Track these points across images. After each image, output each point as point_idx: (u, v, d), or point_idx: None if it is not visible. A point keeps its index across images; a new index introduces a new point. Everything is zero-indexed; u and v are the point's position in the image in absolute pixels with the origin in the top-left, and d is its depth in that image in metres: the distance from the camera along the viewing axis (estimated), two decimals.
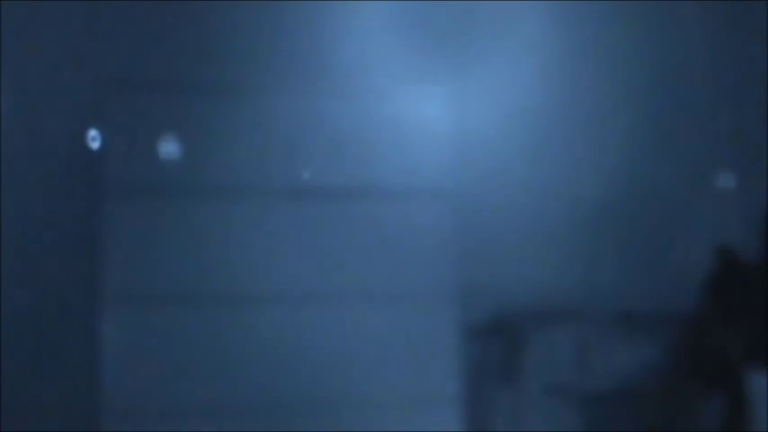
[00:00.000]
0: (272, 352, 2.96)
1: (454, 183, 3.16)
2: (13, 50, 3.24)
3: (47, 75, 3.27)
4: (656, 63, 3.90)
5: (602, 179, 3.72)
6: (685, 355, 3.28)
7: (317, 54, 3.51)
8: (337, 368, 3.01)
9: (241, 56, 3.44)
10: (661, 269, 3.70)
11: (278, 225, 3.02)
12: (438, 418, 3.08)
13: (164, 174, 2.98)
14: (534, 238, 3.61)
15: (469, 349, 3.34)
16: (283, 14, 3.52)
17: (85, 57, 3.30)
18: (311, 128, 3.06)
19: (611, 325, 3.38)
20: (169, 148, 3.00)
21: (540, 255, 3.61)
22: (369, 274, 3.07)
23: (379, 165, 3.08)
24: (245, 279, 2.98)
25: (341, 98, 3.11)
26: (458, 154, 3.24)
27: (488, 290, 3.47)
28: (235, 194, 3.01)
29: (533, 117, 3.69)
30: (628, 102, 3.82)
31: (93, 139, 3.16)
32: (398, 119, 3.12)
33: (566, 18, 3.79)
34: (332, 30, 3.55)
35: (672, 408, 3.36)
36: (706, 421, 3.19)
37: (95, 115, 3.01)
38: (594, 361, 3.33)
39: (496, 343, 3.40)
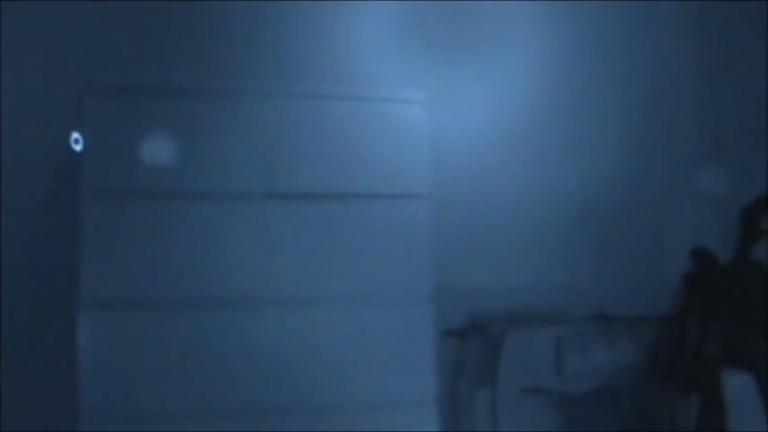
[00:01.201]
0: (250, 355, 2.95)
1: (431, 185, 3.18)
2: None
3: (29, 77, 3.32)
4: (636, 66, 3.94)
5: (579, 181, 3.77)
6: (662, 355, 3.29)
7: (296, 57, 3.57)
8: (314, 371, 3.00)
9: (224, 59, 3.49)
10: (639, 271, 3.74)
11: (256, 229, 3.02)
12: (416, 420, 3.07)
13: (146, 177, 2.98)
14: (512, 240, 3.65)
15: (447, 351, 3.36)
16: (267, 17, 3.57)
17: (68, 59, 3.35)
18: (288, 131, 3.09)
19: (589, 326, 3.40)
20: (151, 151, 3.02)
21: (518, 256, 3.65)
22: (346, 277, 3.07)
23: (354, 167, 3.11)
24: (224, 283, 2.97)
25: (318, 101, 3.13)
26: (435, 156, 3.27)
27: (466, 292, 3.50)
28: (214, 198, 3.01)
29: (512, 119, 3.74)
30: (607, 105, 3.87)
31: (76, 141, 3.18)
32: (375, 121, 3.15)
33: (543, 18, 3.84)
34: (310, 32, 3.60)
35: (649, 408, 3.37)
36: (683, 421, 3.20)
37: (77, 118, 3.03)
38: (572, 362, 3.34)
39: (474, 345, 3.41)
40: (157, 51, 3.45)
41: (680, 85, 4.01)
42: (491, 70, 3.75)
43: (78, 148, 3.10)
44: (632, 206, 3.82)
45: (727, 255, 3.22)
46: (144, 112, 3.01)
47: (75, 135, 3.17)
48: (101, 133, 2.97)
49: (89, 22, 3.39)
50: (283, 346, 2.99)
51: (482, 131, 3.71)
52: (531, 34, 3.83)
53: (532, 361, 3.32)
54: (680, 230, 3.83)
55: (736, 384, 3.05)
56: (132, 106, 3.00)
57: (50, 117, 3.31)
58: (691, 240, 3.44)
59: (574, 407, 3.35)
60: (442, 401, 3.15)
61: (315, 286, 3.05)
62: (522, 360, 3.30)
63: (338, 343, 3.05)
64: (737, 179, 3.72)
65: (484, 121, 3.71)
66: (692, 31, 4.03)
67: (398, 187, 3.16)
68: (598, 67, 3.89)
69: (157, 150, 3.00)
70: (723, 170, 3.84)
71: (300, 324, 3.03)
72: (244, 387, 2.95)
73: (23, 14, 3.35)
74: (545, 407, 3.33)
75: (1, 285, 3.21)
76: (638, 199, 3.83)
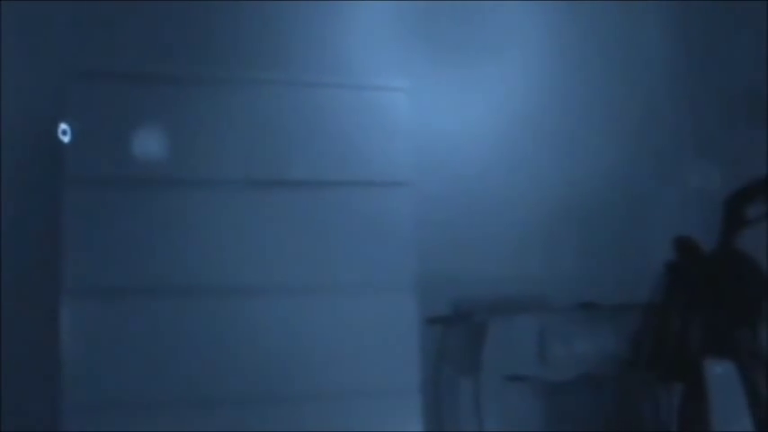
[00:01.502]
0: (233, 344, 2.97)
1: (415, 173, 3.18)
2: None
3: (15, 66, 3.37)
4: (619, 60, 3.93)
5: (562, 171, 3.76)
6: (645, 344, 3.29)
7: (284, 47, 3.58)
8: (297, 358, 3.02)
9: (211, 48, 3.51)
10: (622, 259, 3.73)
11: (239, 217, 3.03)
12: (399, 408, 3.09)
13: (130, 165, 2.99)
14: (496, 229, 3.65)
15: (430, 339, 3.38)
16: (256, 7, 3.58)
17: (53, 48, 3.38)
18: (271, 119, 3.10)
19: (573, 314, 3.40)
20: (135, 139, 3.03)
21: (502, 245, 3.65)
22: (328, 265, 3.09)
23: (337, 155, 3.12)
24: (207, 271, 2.99)
25: (300, 89, 3.14)
26: (420, 145, 3.28)
27: (449, 279, 3.51)
28: (196, 186, 3.02)
29: (495, 108, 3.73)
30: (591, 98, 3.86)
31: (64, 132, 3.21)
32: (357, 109, 3.15)
33: (533, 15, 3.84)
34: (301, 23, 3.61)
35: (631, 396, 3.37)
36: (665, 409, 3.20)
37: (62, 107, 3.05)
38: (556, 350, 3.34)
39: (458, 332, 3.43)
40: (147, 42, 3.47)
41: (662, 77, 3.99)
42: (480, 64, 3.75)
43: (66, 139, 3.12)
44: (615, 195, 3.81)
45: (709, 244, 3.21)
46: (128, 99, 3.02)
47: (64, 126, 3.20)
48: (84, 121, 2.99)
49: (81, 14, 3.42)
50: (266, 335, 3.01)
51: (468, 122, 3.71)
52: (520, 29, 3.83)
53: (516, 349, 3.33)
54: (663, 219, 3.81)
55: (719, 373, 3.04)
56: (117, 94, 3.01)
57: (40, 108, 3.33)
58: (673, 229, 3.42)
59: (557, 395, 3.36)
60: (426, 389, 3.17)
61: (298, 274, 3.06)
62: (505, 348, 3.31)
63: (321, 330, 3.06)
64: (720, 169, 3.70)
65: (470, 113, 3.72)
66: (676, 29, 4.02)
67: (381, 174, 3.16)
68: (582, 62, 3.88)
69: (141, 138, 3.01)
70: (705, 160, 3.83)
71: (283, 312, 3.04)
72: (227, 375, 2.97)
73: (19, 7, 3.39)
74: (528, 394, 3.33)
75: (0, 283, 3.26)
76: (622, 188, 3.82)
